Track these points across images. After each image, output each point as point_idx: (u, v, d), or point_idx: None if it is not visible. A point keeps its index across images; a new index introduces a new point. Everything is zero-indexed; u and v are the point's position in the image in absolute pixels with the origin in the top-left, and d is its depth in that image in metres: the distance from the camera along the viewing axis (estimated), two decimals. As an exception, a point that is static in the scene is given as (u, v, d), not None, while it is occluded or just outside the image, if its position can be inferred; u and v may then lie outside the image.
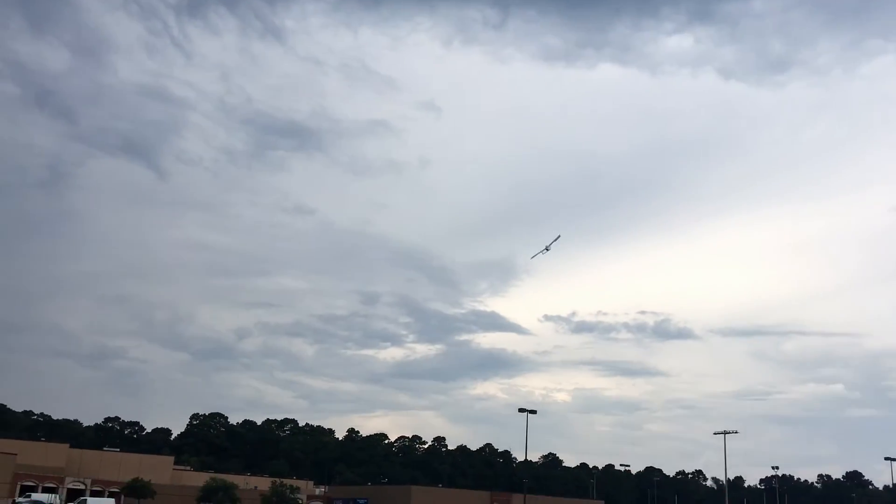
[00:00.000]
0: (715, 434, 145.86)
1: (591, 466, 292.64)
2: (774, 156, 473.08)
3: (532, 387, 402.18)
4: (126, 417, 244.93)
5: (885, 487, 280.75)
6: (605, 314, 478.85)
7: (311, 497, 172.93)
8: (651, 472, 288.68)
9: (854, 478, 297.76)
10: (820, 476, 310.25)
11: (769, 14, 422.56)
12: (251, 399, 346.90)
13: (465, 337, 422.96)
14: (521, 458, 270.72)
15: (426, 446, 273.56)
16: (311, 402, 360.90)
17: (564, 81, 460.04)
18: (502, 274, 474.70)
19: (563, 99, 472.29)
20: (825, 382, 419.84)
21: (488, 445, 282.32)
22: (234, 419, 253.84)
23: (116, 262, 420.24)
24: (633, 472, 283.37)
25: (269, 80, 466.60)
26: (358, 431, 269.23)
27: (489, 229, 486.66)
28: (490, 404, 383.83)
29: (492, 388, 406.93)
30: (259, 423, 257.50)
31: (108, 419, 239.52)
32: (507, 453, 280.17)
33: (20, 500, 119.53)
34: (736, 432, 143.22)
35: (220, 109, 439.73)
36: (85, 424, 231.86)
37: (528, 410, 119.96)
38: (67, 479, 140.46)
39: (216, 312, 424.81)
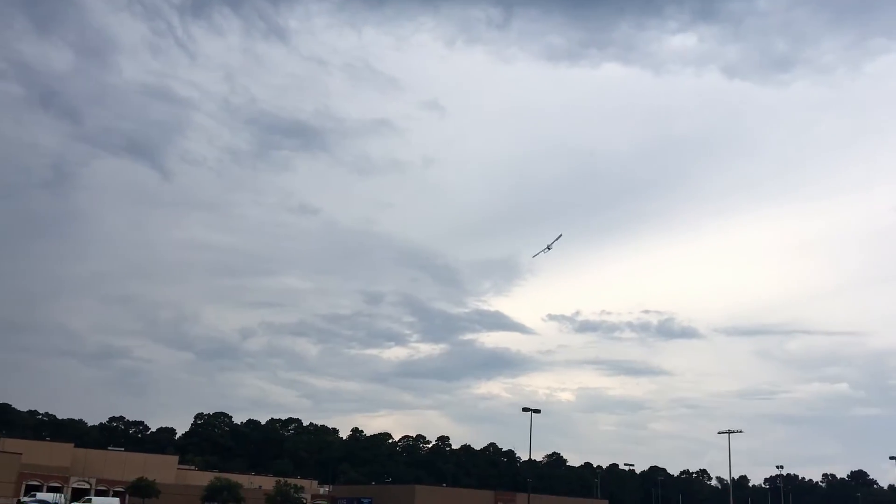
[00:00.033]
0: (719, 433, 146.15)
1: (595, 466, 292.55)
2: (778, 155, 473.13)
3: (536, 386, 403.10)
4: (131, 417, 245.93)
5: (890, 486, 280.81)
6: (608, 313, 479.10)
7: (315, 496, 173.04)
8: (655, 471, 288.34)
9: (859, 477, 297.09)
10: (825, 475, 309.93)
11: (773, 12, 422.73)
12: (255, 399, 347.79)
13: (468, 336, 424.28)
14: (525, 457, 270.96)
15: (430, 446, 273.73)
16: (315, 401, 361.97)
17: (568, 81, 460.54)
18: (506, 273, 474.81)
19: (567, 98, 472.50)
20: (830, 382, 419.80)
21: (492, 445, 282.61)
22: (239, 419, 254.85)
23: (121, 262, 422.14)
24: (638, 471, 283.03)
25: (273, 80, 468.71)
26: (362, 431, 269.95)
27: (493, 229, 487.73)
28: (494, 404, 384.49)
29: (496, 388, 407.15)
30: (263, 422, 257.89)
31: (112, 419, 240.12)
32: (511, 453, 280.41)
33: (25, 499, 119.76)
34: (740, 432, 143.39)
35: (225, 109, 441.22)
36: (90, 424, 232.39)
37: (531, 410, 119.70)
38: (72, 479, 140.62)
39: (220, 312, 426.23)
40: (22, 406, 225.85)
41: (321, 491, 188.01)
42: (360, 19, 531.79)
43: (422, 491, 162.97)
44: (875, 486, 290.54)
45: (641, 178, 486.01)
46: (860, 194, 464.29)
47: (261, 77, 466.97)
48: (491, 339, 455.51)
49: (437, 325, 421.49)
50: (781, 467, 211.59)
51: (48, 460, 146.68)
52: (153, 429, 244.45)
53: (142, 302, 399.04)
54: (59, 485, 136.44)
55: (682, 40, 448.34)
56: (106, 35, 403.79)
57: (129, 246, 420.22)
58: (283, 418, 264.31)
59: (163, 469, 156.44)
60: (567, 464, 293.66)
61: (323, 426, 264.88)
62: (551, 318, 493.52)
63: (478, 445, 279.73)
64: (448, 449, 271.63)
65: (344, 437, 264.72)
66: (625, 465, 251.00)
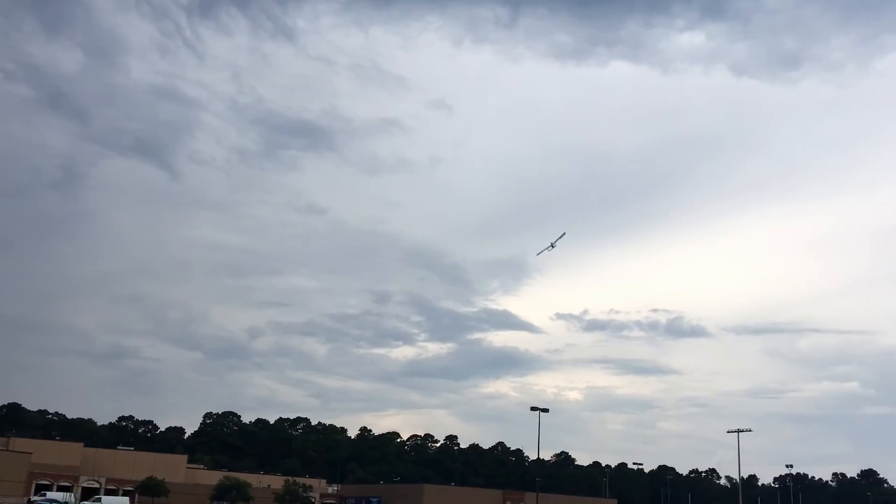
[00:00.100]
0: (728, 432, 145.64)
1: (603, 465, 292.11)
2: (787, 153, 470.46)
3: (544, 385, 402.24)
4: (140, 416, 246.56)
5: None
6: (617, 312, 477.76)
7: (323, 495, 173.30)
8: (664, 470, 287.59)
9: (869, 476, 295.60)
10: (834, 474, 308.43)
11: (782, 10, 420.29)
12: (264, 398, 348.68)
13: (476, 335, 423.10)
14: (533, 456, 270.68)
15: (438, 445, 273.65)
16: (323, 400, 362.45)
17: (576, 79, 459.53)
18: (514, 272, 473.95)
19: (575, 97, 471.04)
20: (840, 380, 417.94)
21: (500, 444, 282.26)
22: (247, 418, 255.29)
23: (130, 262, 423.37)
24: (646, 470, 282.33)
25: (281, 80, 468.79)
26: (370, 430, 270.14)
27: (501, 228, 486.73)
28: (502, 403, 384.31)
29: (504, 387, 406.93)
30: (272, 421, 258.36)
31: (122, 418, 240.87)
32: (519, 452, 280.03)
33: (35, 498, 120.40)
34: (749, 431, 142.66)
35: (232, 109, 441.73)
36: (99, 423, 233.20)
37: (540, 409, 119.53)
38: (82, 478, 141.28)
39: (229, 312, 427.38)
40: (32, 406, 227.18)
41: (330, 490, 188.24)
42: (367, 19, 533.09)
43: (430, 490, 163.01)
44: (885, 484, 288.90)
45: (650, 177, 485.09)
46: (870, 192, 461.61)
47: (268, 77, 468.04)
48: (499, 339, 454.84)
49: (444, 325, 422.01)
50: (791, 466, 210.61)
51: (58, 460, 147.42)
52: (162, 428, 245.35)
53: (150, 302, 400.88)
54: (69, 484, 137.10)
55: (690, 38, 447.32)
56: (114, 36, 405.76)
57: (137, 246, 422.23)
58: (291, 418, 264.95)
59: (172, 468, 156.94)
60: (575, 463, 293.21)
61: (331, 425, 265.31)
62: (559, 316, 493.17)
63: (486, 445, 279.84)
64: (456, 448, 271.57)
65: (352, 437, 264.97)
66: (633, 464, 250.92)
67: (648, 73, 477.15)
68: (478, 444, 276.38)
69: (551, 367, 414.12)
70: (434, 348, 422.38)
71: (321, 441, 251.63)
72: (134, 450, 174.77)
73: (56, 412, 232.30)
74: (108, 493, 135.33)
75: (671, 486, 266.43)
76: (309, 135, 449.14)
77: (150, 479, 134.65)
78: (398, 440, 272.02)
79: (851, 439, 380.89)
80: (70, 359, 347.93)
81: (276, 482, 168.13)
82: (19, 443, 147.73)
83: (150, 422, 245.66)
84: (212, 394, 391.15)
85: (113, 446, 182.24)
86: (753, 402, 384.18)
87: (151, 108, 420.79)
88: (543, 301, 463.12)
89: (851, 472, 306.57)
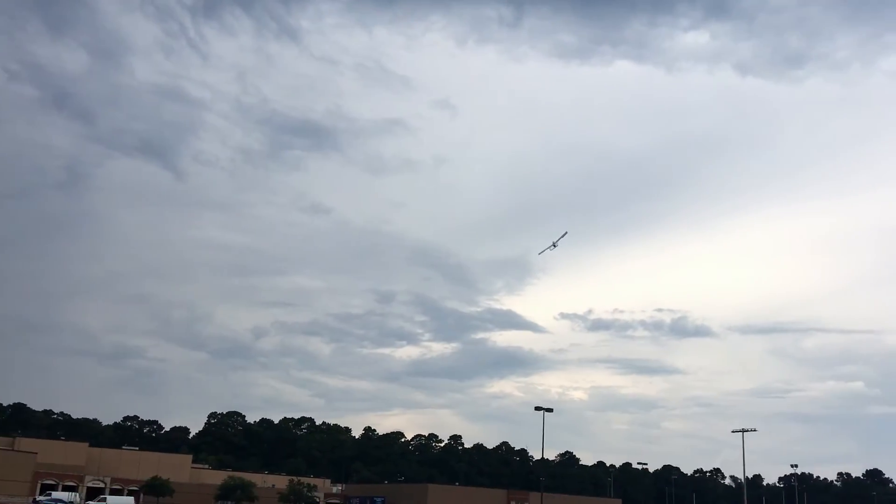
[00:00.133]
0: (733, 432, 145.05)
1: (608, 465, 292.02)
2: (792, 152, 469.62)
3: (548, 385, 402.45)
4: (145, 416, 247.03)
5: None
6: (621, 312, 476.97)
7: (328, 495, 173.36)
8: (669, 470, 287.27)
9: (874, 476, 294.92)
10: (840, 474, 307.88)
11: (786, 8, 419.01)
12: (268, 398, 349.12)
13: (481, 335, 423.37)
14: (537, 456, 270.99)
15: (443, 444, 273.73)
16: (327, 400, 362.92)
17: (580, 79, 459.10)
18: (518, 272, 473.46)
19: (579, 96, 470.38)
20: (845, 380, 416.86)
21: (505, 444, 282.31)
22: (252, 418, 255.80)
23: (134, 262, 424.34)
24: (651, 470, 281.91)
25: (285, 80, 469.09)
26: (374, 430, 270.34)
27: (505, 227, 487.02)
28: (506, 403, 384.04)
29: (508, 387, 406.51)
30: (276, 421, 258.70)
31: (126, 418, 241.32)
32: (523, 451, 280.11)
33: (41, 498, 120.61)
34: (754, 430, 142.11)
35: (237, 110, 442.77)
36: (104, 423, 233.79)
37: (544, 409, 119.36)
38: (87, 478, 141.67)
39: (233, 312, 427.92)
40: (37, 406, 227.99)
41: (334, 490, 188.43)
42: (371, 19, 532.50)
43: (434, 490, 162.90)
44: (891, 484, 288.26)
45: (654, 176, 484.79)
46: (875, 191, 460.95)
47: (273, 77, 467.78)
48: (503, 338, 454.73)
49: (449, 324, 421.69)
50: (796, 466, 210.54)
51: (63, 459, 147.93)
52: (167, 428, 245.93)
53: (155, 302, 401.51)
54: (74, 484, 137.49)
55: (694, 37, 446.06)
56: (119, 36, 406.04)
57: (142, 246, 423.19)
58: (295, 417, 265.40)
59: (177, 468, 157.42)
60: (580, 463, 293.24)
61: (335, 425, 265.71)
62: (563, 316, 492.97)
63: (490, 444, 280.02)
64: (460, 448, 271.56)
65: (356, 436, 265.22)
66: (638, 464, 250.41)
67: (653, 72, 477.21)
68: (482, 444, 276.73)
69: (555, 367, 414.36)
70: (438, 348, 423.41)
71: (325, 441, 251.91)
72: (139, 450, 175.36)
73: (61, 412, 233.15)
74: (113, 492, 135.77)
75: (676, 486, 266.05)
76: (313, 135, 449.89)
77: (154, 478, 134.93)
78: (402, 440, 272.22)
79: (857, 439, 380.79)
80: (75, 359, 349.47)
81: (281, 482, 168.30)
82: (25, 443, 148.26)
83: (155, 422, 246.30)
84: (216, 394, 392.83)
85: (118, 446, 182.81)
86: (758, 402, 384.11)
87: (156, 109, 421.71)
88: (548, 301, 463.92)
89: (857, 471, 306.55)
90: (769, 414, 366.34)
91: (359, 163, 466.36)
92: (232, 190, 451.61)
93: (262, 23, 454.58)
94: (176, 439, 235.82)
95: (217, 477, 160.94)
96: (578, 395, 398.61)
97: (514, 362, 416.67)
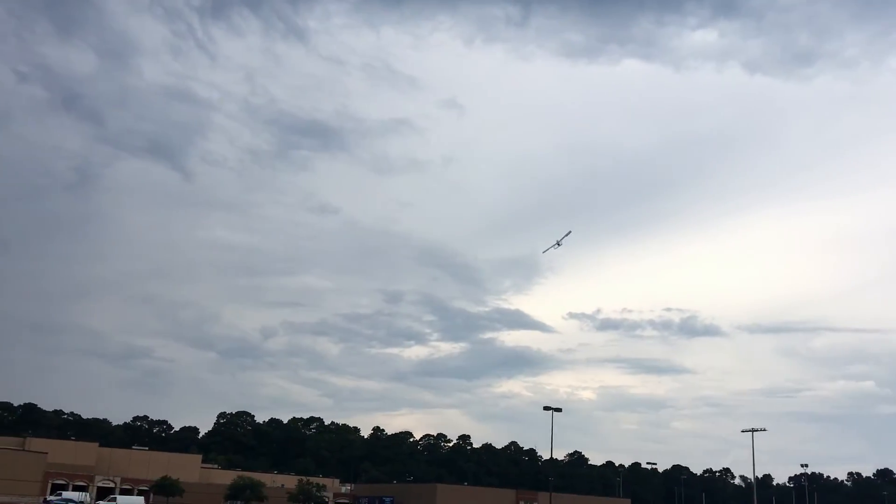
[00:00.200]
0: (743, 432, 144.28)
1: (617, 465, 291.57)
2: (801, 150, 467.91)
3: (557, 385, 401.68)
4: (154, 416, 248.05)
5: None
6: (630, 311, 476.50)
7: (337, 495, 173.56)
8: (678, 470, 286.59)
9: (885, 475, 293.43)
10: (850, 474, 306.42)
11: (795, 6, 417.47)
12: (277, 398, 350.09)
13: (489, 335, 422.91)
14: (546, 456, 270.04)
15: (451, 444, 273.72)
16: (336, 400, 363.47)
17: (587, 78, 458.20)
18: (526, 271, 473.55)
19: (587, 95, 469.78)
20: (855, 379, 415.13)
21: (513, 444, 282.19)
22: (261, 418, 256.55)
23: (143, 263, 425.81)
24: (660, 470, 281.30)
25: (293, 81, 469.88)
26: (383, 430, 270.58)
27: (513, 227, 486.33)
28: (515, 402, 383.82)
29: (516, 387, 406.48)
30: (285, 421, 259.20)
31: (136, 418, 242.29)
32: (532, 451, 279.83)
33: (51, 498, 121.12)
34: (764, 430, 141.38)
35: (245, 110, 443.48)
36: (114, 423, 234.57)
37: (553, 409, 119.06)
38: (97, 478, 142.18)
39: (242, 312, 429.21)
40: (47, 406, 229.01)
41: (343, 489, 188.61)
42: (379, 19, 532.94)
43: (443, 490, 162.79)
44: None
45: (662, 175, 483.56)
46: (885, 190, 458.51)
47: (280, 77, 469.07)
48: (511, 338, 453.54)
49: (457, 324, 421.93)
50: (806, 466, 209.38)
51: (73, 459, 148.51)
52: (176, 428, 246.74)
53: (164, 302, 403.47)
54: (84, 484, 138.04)
55: (702, 36, 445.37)
56: (127, 37, 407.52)
57: (151, 246, 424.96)
58: (304, 417, 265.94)
59: (186, 468, 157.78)
60: (589, 462, 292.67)
61: (344, 425, 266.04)
62: (572, 316, 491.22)
63: (499, 444, 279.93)
64: (469, 448, 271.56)
65: (365, 436, 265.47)
66: (647, 463, 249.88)
67: (661, 71, 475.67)
68: (491, 444, 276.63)
69: (564, 367, 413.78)
70: (446, 348, 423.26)
71: (334, 441, 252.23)
72: (148, 449, 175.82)
73: (71, 412, 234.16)
74: (123, 492, 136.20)
75: (685, 486, 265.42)
76: (321, 135, 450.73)
77: (164, 478, 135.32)
78: (411, 440, 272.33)
79: (867, 438, 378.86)
80: (85, 359, 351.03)
81: (290, 482, 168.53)
82: (35, 443, 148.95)
83: (165, 422, 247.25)
84: (225, 393, 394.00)
85: (128, 446, 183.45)
86: (768, 402, 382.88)
87: (164, 110, 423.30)
88: (556, 300, 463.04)
89: (867, 471, 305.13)
90: (779, 413, 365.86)
91: (366, 163, 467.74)
92: (240, 190, 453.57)
93: (269, 23, 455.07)
94: (185, 439, 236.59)
95: (226, 477, 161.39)
96: (587, 394, 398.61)
97: (523, 362, 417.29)
